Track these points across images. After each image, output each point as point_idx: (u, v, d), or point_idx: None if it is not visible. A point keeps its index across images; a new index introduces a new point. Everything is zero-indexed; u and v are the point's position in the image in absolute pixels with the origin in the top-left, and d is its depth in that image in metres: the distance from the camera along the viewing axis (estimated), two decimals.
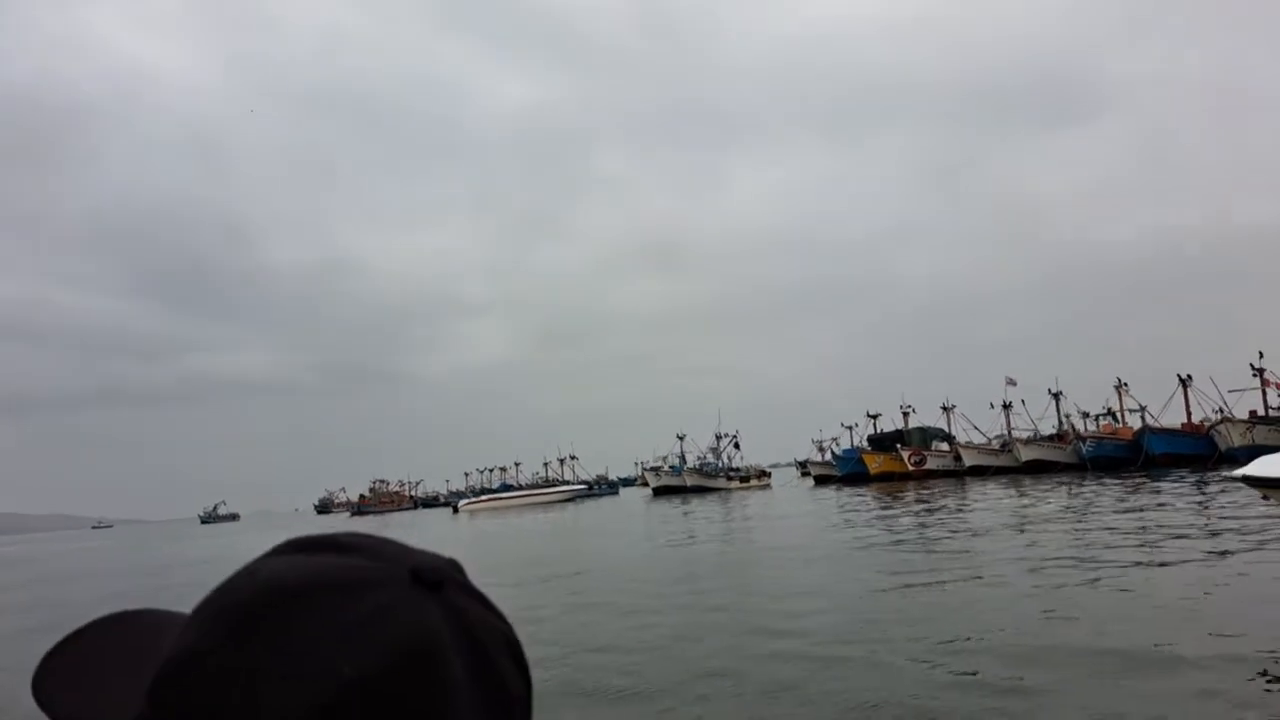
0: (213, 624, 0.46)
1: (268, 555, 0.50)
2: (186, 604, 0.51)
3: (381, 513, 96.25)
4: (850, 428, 62.00)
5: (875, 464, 53.11)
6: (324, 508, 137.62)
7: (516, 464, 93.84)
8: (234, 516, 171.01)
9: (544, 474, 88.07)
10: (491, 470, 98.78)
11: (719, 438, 64.52)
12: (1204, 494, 21.63)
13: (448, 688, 0.44)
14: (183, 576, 23.00)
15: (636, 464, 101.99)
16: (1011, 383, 52.90)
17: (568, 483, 75.83)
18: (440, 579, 0.48)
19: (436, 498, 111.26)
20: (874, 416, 59.98)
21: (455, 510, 66.74)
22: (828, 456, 64.12)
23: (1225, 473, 13.94)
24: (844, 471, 55.37)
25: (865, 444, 56.64)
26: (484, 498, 70.52)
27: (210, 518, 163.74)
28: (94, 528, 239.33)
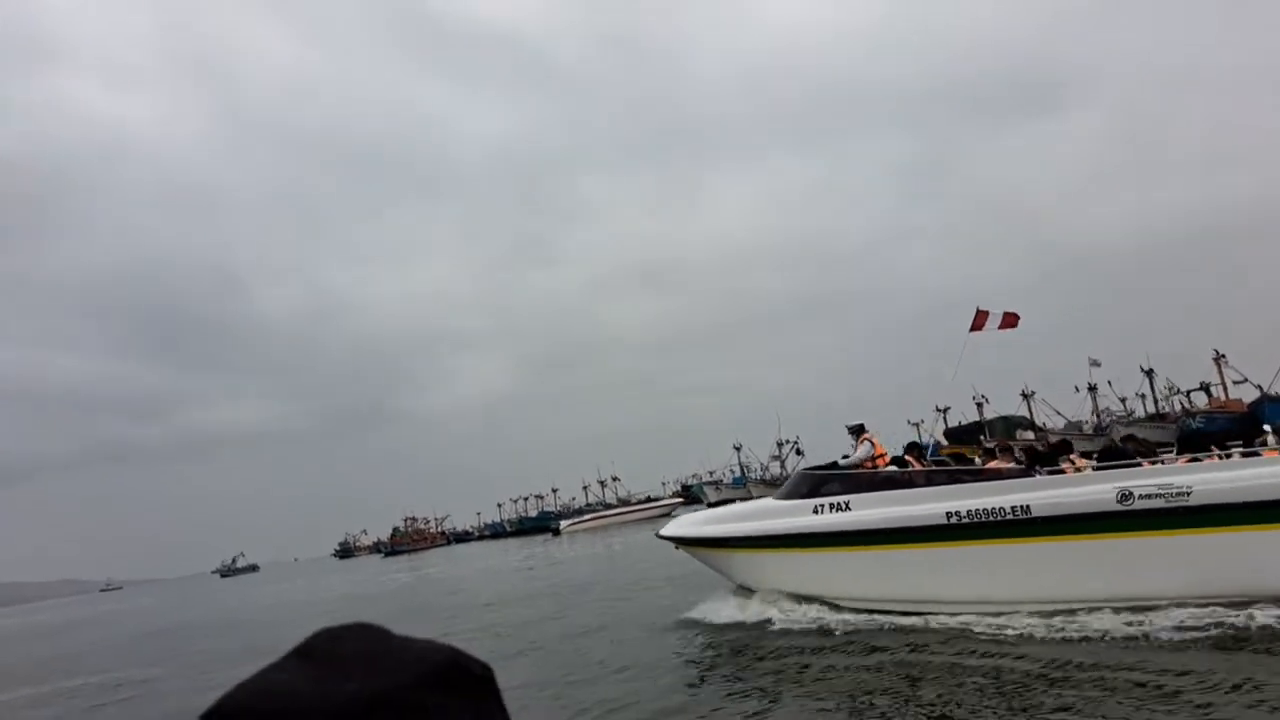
0: None
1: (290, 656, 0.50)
2: None
3: (414, 551, 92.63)
4: (917, 424, 59.38)
5: None
6: (345, 552, 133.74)
7: (554, 490, 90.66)
8: (254, 568, 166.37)
9: (584, 498, 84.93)
10: (526, 499, 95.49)
11: (780, 444, 61.69)
12: None
13: None
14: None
15: (663, 484, 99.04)
16: (1095, 363, 50.54)
17: (657, 499, 72.97)
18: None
19: (469, 532, 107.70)
20: (943, 410, 57.51)
21: (556, 532, 63.56)
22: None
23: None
24: None
25: (941, 439, 53.93)
26: (585, 517, 67.58)
27: (229, 571, 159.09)
28: (103, 590, 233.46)
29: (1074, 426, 50.09)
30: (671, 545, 13.97)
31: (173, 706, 12.90)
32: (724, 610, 12.08)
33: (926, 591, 10.43)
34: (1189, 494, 8.79)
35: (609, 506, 74.42)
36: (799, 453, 61.88)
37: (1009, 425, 50.89)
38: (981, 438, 50.79)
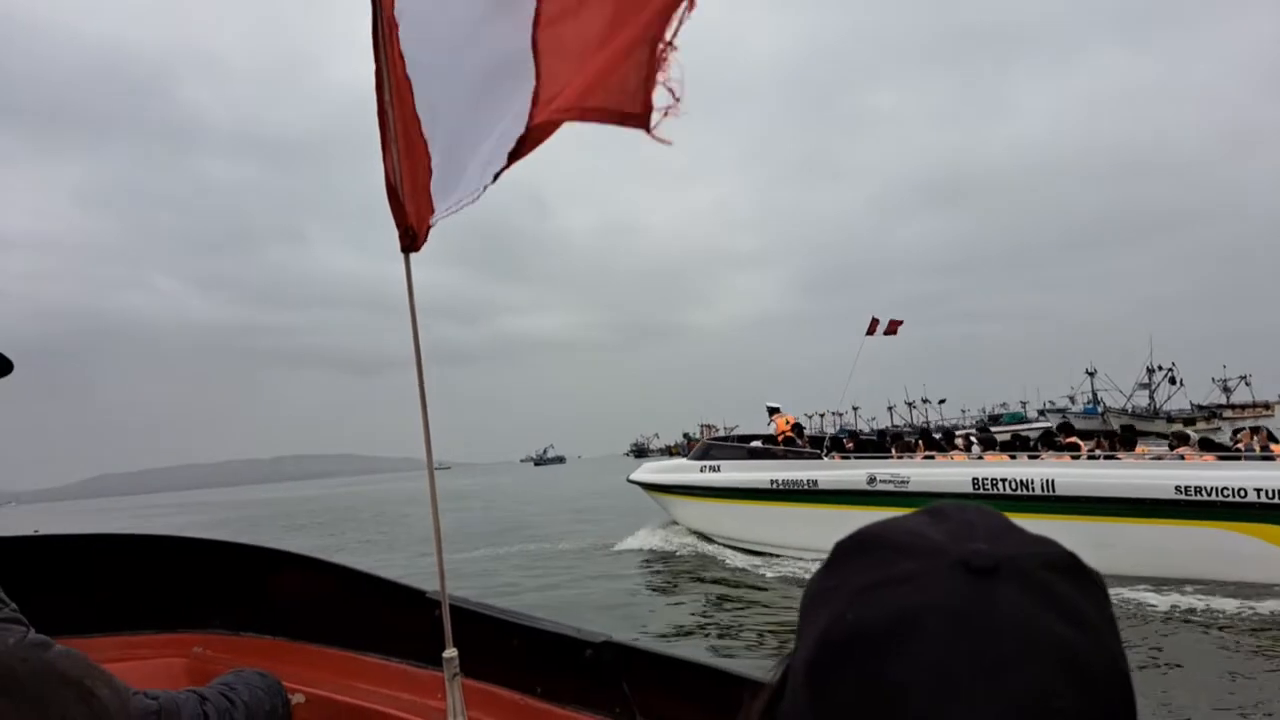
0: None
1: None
2: None
3: None
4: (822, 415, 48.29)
5: None
6: (640, 451, 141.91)
7: (855, 408, 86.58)
8: (561, 459, 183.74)
9: (890, 420, 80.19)
10: (823, 415, 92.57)
11: (1150, 371, 51.44)
12: None
13: (907, 670, 0.45)
14: None
15: (963, 410, 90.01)
16: None
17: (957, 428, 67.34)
18: (991, 565, 0.48)
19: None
20: None
21: None
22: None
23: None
24: None
25: None
26: None
27: (541, 460, 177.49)
28: (435, 469, 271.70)
29: None
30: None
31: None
32: (637, 540, 16.51)
33: (757, 536, 14.12)
34: (907, 482, 12.52)
35: (850, 434, 68.89)
36: (1173, 381, 51.10)
37: None
38: None
